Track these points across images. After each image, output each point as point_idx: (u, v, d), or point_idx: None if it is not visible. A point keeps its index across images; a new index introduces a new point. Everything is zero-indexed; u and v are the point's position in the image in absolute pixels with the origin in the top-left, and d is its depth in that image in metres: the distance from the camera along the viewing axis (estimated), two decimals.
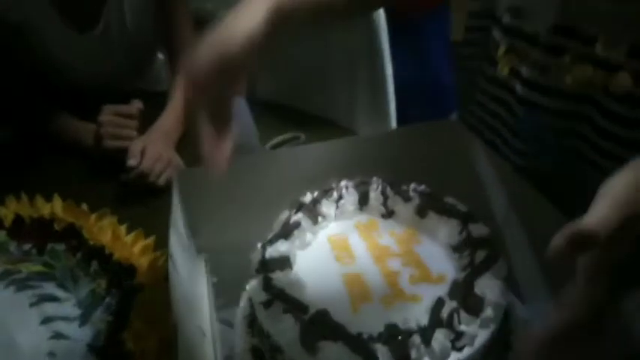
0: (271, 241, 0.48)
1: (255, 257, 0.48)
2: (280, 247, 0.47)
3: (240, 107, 0.69)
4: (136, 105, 0.78)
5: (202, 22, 0.88)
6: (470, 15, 0.59)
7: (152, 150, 0.72)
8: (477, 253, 0.44)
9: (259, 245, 0.49)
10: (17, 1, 0.80)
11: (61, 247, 0.64)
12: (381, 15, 0.82)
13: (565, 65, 0.46)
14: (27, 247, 0.65)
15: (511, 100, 0.54)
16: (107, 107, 0.77)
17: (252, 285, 0.46)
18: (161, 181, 0.72)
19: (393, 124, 0.92)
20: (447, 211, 0.50)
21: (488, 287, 0.41)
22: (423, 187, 0.54)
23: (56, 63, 0.88)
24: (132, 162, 0.70)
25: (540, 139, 0.52)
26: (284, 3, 0.42)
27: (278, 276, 0.44)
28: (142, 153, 0.71)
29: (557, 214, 0.42)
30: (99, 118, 0.76)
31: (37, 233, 0.66)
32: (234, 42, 0.39)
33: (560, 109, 0.50)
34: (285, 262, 0.46)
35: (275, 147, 0.85)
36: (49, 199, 0.71)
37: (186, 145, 0.84)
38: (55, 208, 0.69)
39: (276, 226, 0.51)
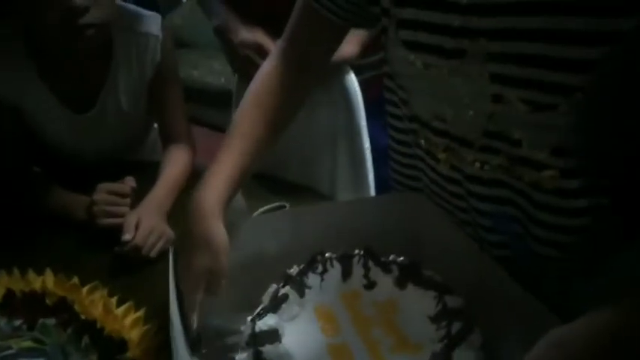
0: (260, 315, 0.51)
1: (246, 330, 0.50)
2: (269, 321, 0.50)
3: None
4: (129, 183, 0.82)
5: (191, 88, 0.95)
6: (402, 117, 0.61)
7: (146, 223, 0.75)
8: (454, 324, 0.48)
9: (249, 319, 0.52)
10: (16, 86, 0.85)
11: (52, 321, 0.65)
12: (358, 95, 0.89)
13: (500, 164, 0.50)
14: (17, 322, 0.66)
15: (460, 191, 0.56)
16: (101, 186, 0.80)
17: (242, 358, 0.49)
18: (154, 253, 0.75)
19: (372, 192, 0.97)
20: (424, 283, 0.54)
21: (464, 358, 0.44)
22: (402, 258, 0.58)
23: (52, 140, 0.93)
24: (127, 237, 0.73)
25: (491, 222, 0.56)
26: (228, 195, 0.57)
27: (268, 349, 0.47)
28: (136, 226, 0.74)
29: (516, 289, 0.46)
30: (93, 196, 0.79)
31: (28, 308, 0.67)
32: (219, 264, 0.52)
33: (499, 197, 0.52)
34: (274, 336, 0.49)
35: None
36: (41, 272, 0.72)
37: (176, 216, 0.87)
38: (46, 281, 0.71)
39: (265, 299, 0.54)
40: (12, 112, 0.86)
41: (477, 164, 0.52)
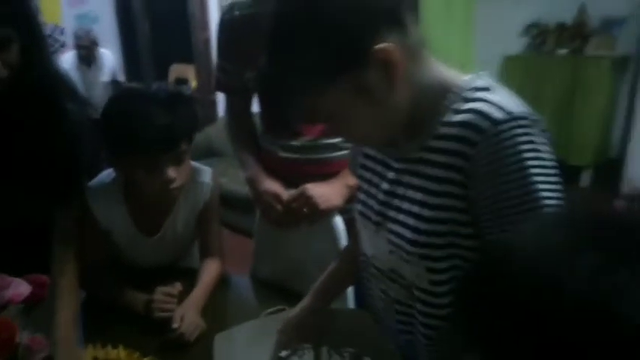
0: None
1: None
2: None
3: None
4: (178, 288, 1.18)
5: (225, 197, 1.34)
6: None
7: (189, 317, 1.10)
8: None
9: None
10: (110, 216, 1.25)
11: None
12: (342, 232, 1.26)
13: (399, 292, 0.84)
14: None
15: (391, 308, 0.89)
16: (158, 289, 1.16)
17: None
18: (192, 338, 1.09)
19: (351, 304, 1.30)
20: None
21: None
22: (352, 349, 0.91)
23: (125, 253, 1.31)
24: (175, 325, 1.08)
25: None
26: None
27: None
28: (182, 319, 1.09)
29: None
30: (153, 296, 1.15)
31: None
32: None
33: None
34: None
35: (267, 315, 1.23)
36: (115, 346, 1.06)
37: (207, 310, 1.22)
38: (120, 353, 1.05)
39: None
40: (105, 233, 1.26)
41: (393, 290, 0.84)
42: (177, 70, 6.55)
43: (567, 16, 3.48)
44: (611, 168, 3.20)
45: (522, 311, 0.40)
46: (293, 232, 1.33)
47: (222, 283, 1.34)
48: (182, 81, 6.45)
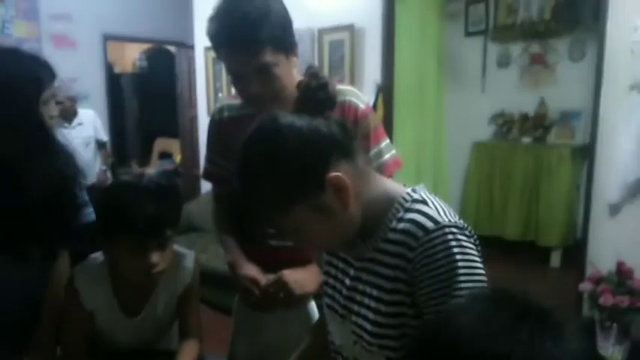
0: None
1: None
2: None
3: None
4: None
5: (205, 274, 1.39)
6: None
7: None
8: None
9: None
10: (95, 297, 1.30)
11: None
12: (316, 315, 1.33)
13: None
14: None
15: None
16: None
17: None
18: None
19: None
20: None
21: None
22: None
23: (106, 334, 1.34)
24: None
25: None
26: None
27: None
28: None
29: None
30: None
31: None
32: None
33: None
34: None
35: None
36: None
37: None
38: None
39: None
40: (90, 314, 1.30)
41: None
42: (162, 143, 6.75)
43: (529, 107, 3.79)
44: (577, 249, 3.34)
45: None
46: (270, 315, 1.39)
47: None
48: (166, 155, 6.63)
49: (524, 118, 3.78)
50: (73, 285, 1.28)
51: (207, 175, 1.53)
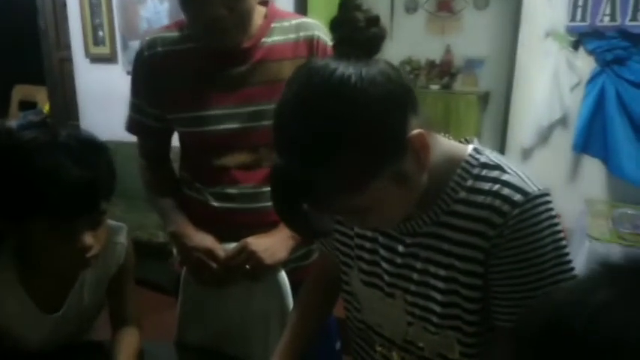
0: None
1: None
2: None
3: None
4: None
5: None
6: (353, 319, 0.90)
7: None
8: None
9: None
10: None
11: None
12: (287, 286, 1.16)
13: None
14: None
15: None
16: None
17: None
18: None
19: None
20: None
21: None
22: None
23: (14, 334, 1.02)
24: None
25: None
26: None
27: None
28: None
29: None
30: None
31: None
32: None
33: None
34: None
35: None
36: None
37: None
38: None
39: None
40: None
41: (398, 358, 0.81)
42: (22, 90, 5.77)
43: (436, 55, 3.82)
44: None
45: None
46: (228, 291, 1.19)
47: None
48: (29, 104, 5.68)
49: (431, 65, 3.80)
50: None
51: (134, 127, 1.23)
